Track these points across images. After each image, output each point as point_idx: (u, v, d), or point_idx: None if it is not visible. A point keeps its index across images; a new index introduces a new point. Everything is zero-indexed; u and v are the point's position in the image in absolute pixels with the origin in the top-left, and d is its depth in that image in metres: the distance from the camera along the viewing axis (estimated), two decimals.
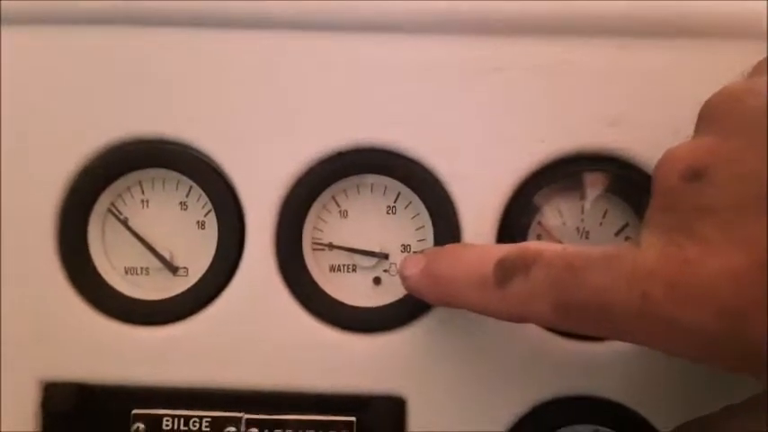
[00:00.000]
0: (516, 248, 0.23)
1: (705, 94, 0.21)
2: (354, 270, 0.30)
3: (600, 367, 0.28)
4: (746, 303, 0.17)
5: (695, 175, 0.19)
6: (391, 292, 0.29)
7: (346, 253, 0.29)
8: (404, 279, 0.26)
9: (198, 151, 0.29)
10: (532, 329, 0.28)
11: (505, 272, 0.22)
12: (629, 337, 0.20)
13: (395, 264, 0.29)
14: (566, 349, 0.28)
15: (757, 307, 0.17)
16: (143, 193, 0.30)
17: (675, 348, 0.20)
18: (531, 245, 0.22)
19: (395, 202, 0.29)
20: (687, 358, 0.20)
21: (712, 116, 0.20)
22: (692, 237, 0.18)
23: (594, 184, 0.28)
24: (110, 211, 0.30)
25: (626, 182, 0.28)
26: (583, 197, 0.29)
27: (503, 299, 0.22)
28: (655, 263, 0.19)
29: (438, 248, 0.27)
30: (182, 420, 0.28)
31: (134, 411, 0.28)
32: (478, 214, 0.28)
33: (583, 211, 0.29)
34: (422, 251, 0.27)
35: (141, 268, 0.30)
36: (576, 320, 0.21)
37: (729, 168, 0.18)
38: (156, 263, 0.29)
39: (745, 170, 0.18)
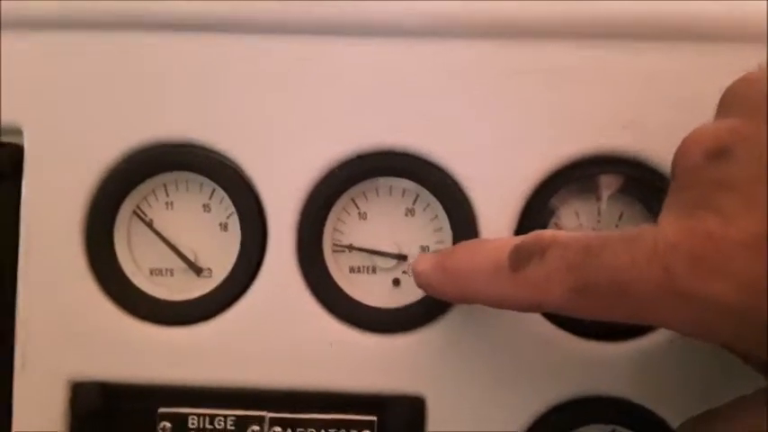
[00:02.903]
0: (531, 235, 0.23)
1: (718, 97, 0.22)
2: (374, 271, 0.30)
3: (618, 367, 0.28)
4: None
5: (718, 153, 0.19)
6: (410, 293, 0.29)
7: (366, 254, 0.30)
8: (417, 275, 0.26)
9: (221, 155, 0.29)
10: (551, 330, 0.28)
11: (520, 257, 0.22)
12: (648, 315, 0.20)
13: None
14: (584, 349, 0.28)
15: None
16: (167, 195, 0.30)
17: (695, 325, 0.19)
18: (546, 232, 0.22)
19: (413, 204, 0.30)
20: (705, 336, 0.20)
21: (733, 100, 0.21)
22: (714, 211, 0.18)
23: (610, 186, 0.29)
24: (135, 213, 0.30)
25: (641, 183, 0.28)
26: (599, 199, 0.29)
27: (518, 284, 0.22)
28: (677, 237, 0.19)
29: (452, 246, 0.27)
30: (207, 419, 0.28)
31: (160, 410, 0.28)
32: (496, 216, 0.28)
33: (599, 213, 0.29)
34: (436, 251, 0.28)
35: (166, 269, 0.30)
36: (595, 302, 0.21)
37: (751, 147, 0.18)
38: (180, 264, 0.30)
39: (764, 148, 0.18)
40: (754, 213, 0.18)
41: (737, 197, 0.18)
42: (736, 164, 0.19)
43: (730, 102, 0.21)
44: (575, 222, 0.29)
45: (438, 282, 0.25)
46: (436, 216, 0.30)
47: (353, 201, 0.30)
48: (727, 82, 0.22)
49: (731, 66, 0.22)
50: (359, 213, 0.30)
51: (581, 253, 0.20)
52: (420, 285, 0.27)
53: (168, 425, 0.28)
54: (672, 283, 0.18)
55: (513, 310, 0.23)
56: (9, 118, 0.29)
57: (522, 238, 0.23)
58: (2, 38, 0.29)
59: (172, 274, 0.30)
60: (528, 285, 0.22)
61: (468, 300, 0.25)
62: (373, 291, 0.30)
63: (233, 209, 0.29)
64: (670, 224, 0.19)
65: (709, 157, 0.19)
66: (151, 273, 0.30)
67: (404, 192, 0.30)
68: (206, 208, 0.30)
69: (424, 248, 0.30)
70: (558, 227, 0.29)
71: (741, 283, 0.17)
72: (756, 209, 0.18)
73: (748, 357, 0.24)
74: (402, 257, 0.30)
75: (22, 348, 0.29)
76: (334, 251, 0.30)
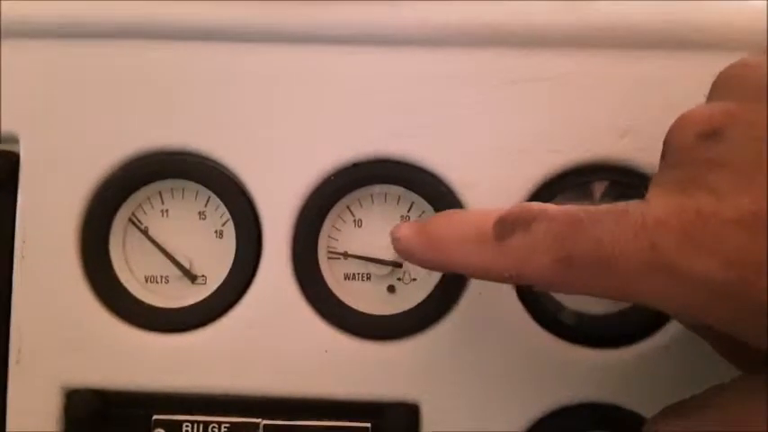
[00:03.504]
0: (518, 206, 0.22)
1: None
2: (369, 278, 0.30)
3: (612, 374, 0.28)
4: (757, 253, 0.17)
5: (712, 133, 0.19)
6: (405, 300, 0.29)
7: (361, 261, 0.30)
8: (396, 240, 0.26)
9: (216, 162, 0.29)
10: (545, 337, 0.28)
11: (505, 227, 0.22)
12: (632, 291, 0.20)
13: (408, 272, 0.30)
14: (578, 356, 0.28)
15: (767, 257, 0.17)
16: (163, 203, 0.30)
17: (679, 303, 0.19)
18: (534, 204, 0.22)
19: (408, 211, 0.30)
20: (688, 314, 0.20)
21: (728, 83, 0.21)
22: (705, 188, 0.18)
23: (606, 195, 0.29)
24: (131, 220, 0.30)
25: (638, 191, 0.28)
26: None
27: (501, 254, 0.22)
28: (665, 213, 0.19)
29: (435, 214, 0.27)
30: (201, 426, 0.28)
31: (154, 417, 0.28)
32: None
33: None
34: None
35: (161, 277, 0.30)
36: (578, 275, 0.20)
37: (745, 128, 0.18)
38: (175, 271, 0.30)
39: (761, 130, 0.18)
40: (747, 192, 0.18)
41: (729, 176, 0.18)
42: (730, 144, 0.18)
43: (724, 84, 0.21)
44: None
45: (419, 248, 0.25)
46: None
47: (349, 208, 0.30)
48: None
49: None
50: (354, 221, 0.30)
51: (568, 225, 0.20)
52: (399, 252, 0.26)
53: (162, 431, 0.28)
54: (658, 259, 0.18)
55: (495, 280, 0.23)
56: (5, 126, 0.29)
57: (508, 208, 0.23)
58: (0, 46, 0.29)
59: (167, 282, 0.30)
60: (511, 255, 0.22)
61: (448, 268, 0.25)
62: (368, 298, 0.30)
63: (228, 216, 0.30)
64: (659, 200, 0.19)
65: (702, 138, 0.19)
66: (146, 280, 0.30)
67: (399, 199, 0.30)
68: (201, 215, 0.30)
69: None
70: None
71: (730, 261, 0.17)
72: (749, 188, 0.18)
73: (724, 346, 0.24)
74: (397, 265, 0.30)
75: (17, 355, 0.29)
76: (329, 258, 0.30)
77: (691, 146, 0.19)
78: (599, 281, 0.20)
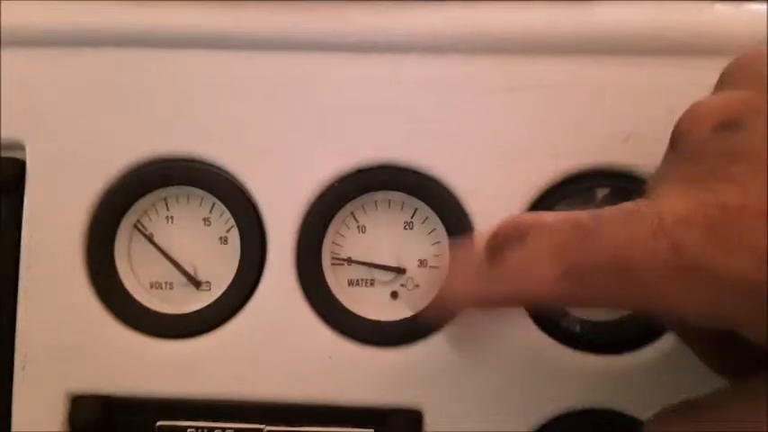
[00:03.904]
0: (507, 221, 0.21)
1: None
2: (372, 284, 0.30)
3: (615, 380, 0.28)
4: None
5: (729, 124, 0.18)
6: (408, 306, 0.29)
7: (364, 267, 0.30)
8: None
9: (221, 169, 0.29)
10: (548, 343, 0.28)
11: (497, 245, 0.20)
12: (652, 297, 0.18)
13: (412, 278, 0.30)
14: (581, 362, 0.28)
15: None
16: (168, 209, 0.30)
17: (704, 305, 0.18)
18: (525, 214, 0.21)
19: (412, 217, 0.30)
20: (713, 318, 0.18)
21: (739, 73, 0.20)
22: (728, 180, 0.17)
23: (608, 201, 0.29)
24: (136, 227, 0.30)
25: (639, 197, 0.28)
26: None
27: (497, 276, 0.20)
28: (687, 210, 0.17)
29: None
30: None
31: (159, 423, 0.28)
32: None
33: None
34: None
35: (166, 283, 0.30)
36: (592, 287, 0.19)
37: (764, 117, 0.18)
38: (180, 277, 0.30)
39: None
40: (765, 182, 0.17)
41: (753, 167, 0.17)
42: (751, 134, 0.18)
43: (736, 74, 0.20)
44: None
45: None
46: (434, 229, 0.30)
47: (353, 214, 0.30)
48: None
49: None
50: (358, 227, 0.30)
51: (572, 233, 0.19)
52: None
53: None
54: (682, 260, 0.17)
55: (499, 307, 0.22)
56: (11, 133, 0.30)
57: (496, 227, 0.21)
58: (4, 53, 0.30)
59: (171, 288, 0.30)
60: (509, 275, 0.20)
61: (452, 312, 0.24)
62: (371, 304, 0.30)
63: (233, 223, 0.30)
64: (678, 196, 0.18)
65: (719, 129, 0.18)
66: (151, 286, 0.30)
67: (402, 205, 0.30)
68: (206, 222, 0.30)
69: (422, 261, 0.30)
70: None
71: (759, 257, 0.16)
72: (764, 177, 0.17)
73: (714, 357, 0.24)
74: (401, 270, 0.30)
75: (23, 361, 0.29)
76: (332, 264, 0.30)
77: (707, 138, 0.18)
78: (616, 289, 0.18)
